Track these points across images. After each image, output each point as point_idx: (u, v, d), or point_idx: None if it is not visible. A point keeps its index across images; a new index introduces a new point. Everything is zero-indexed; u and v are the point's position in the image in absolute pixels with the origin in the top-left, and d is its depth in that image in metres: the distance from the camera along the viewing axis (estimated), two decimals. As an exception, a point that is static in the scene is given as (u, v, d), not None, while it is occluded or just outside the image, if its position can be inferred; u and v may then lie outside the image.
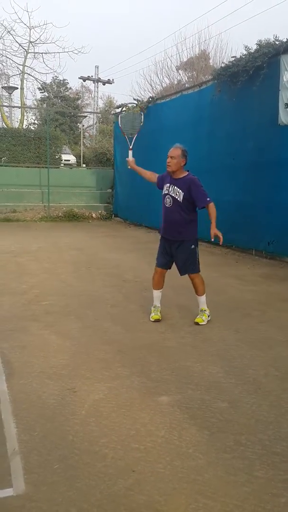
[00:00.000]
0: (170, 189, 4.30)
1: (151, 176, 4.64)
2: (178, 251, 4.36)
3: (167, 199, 4.33)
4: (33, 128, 22.60)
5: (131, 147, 4.77)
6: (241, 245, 8.38)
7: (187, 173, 4.31)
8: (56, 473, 2.14)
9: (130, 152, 4.74)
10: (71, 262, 7.33)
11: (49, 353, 3.58)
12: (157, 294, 4.54)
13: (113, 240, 10.14)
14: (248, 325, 4.38)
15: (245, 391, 3.00)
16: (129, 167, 4.71)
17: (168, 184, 4.33)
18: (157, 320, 4.42)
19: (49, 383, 3.05)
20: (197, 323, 4.35)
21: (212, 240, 4.18)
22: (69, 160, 23.48)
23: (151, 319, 4.44)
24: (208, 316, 4.44)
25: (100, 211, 14.91)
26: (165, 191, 4.36)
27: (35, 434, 2.46)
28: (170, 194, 4.29)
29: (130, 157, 4.75)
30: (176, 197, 4.25)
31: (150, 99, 12.08)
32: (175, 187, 4.26)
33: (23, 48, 20.01)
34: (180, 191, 4.23)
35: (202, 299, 4.45)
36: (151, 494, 2.01)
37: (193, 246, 4.35)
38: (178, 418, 2.64)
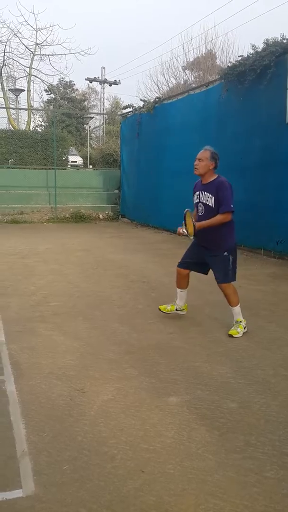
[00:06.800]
0: (201, 196, 4.05)
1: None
2: (210, 259, 4.11)
3: (200, 208, 4.08)
4: (40, 130, 22.74)
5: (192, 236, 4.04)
6: (250, 244, 8.34)
7: (217, 176, 4.04)
8: (66, 474, 2.14)
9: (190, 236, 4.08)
10: (78, 263, 7.35)
11: (58, 354, 3.59)
12: (178, 292, 4.44)
13: (120, 241, 10.15)
14: (256, 325, 4.35)
15: (254, 391, 2.98)
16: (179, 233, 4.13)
17: (198, 192, 4.09)
18: (161, 310, 4.49)
19: (57, 384, 3.05)
20: (230, 336, 3.98)
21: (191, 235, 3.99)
22: (75, 162, 23.58)
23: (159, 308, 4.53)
24: (244, 328, 4.07)
25: (107, 212, 14.94)
26: (196, 200, 4.13)
27: (44, 435, 2.46)
28: (201, 201, 4.04)
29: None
30: (208, 203, 3.98)
31: (157, 99, 12.09)
32: (205, 193, 4.00)
33: (30, 50, 20.17)
34: (210, 195, 3.95)
35: (236, 309, 4.10)
36: (161, 494, 2.00)
37: (226, 254, 3.99)
38: (187, 419, 2.63)
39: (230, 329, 4.07)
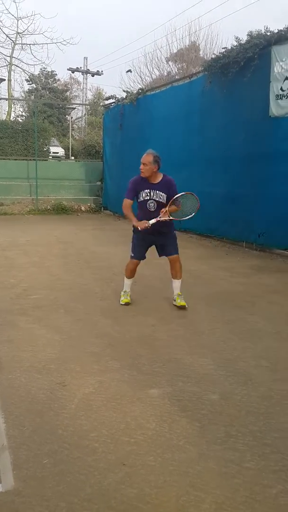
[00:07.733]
0: (152, 194, 4.43)
1: (129, 207, 4.61)
2: (162, 239, 4.60)
3: (151, 204, 4.45)
4: (20, 120, 22.35)
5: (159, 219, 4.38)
6: (232, 237, 8.38)
7: (163, 175, 4.46)
8: (46, 468, 2.11)
9: (154, 221, 4.37)
10: (60, 255, 7.27)
11: (38, 347, 3.54)
12: (129, 282, 4.79)
13: (103, 233, 10.08)
14: (238, 317, 4.38)
15: (235, 382, 3.00)
16: (143, 227, 4.40)
17: (147, 190, 4.44)
18: (127, 304, 4.65)
19: (38, 378, 3.01)
20: (183, 307, 4.53)
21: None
22: (57, 153, 23.27)
23: (122, 303, 4.67)
24: None
25: (89, 204, 14.81)
26: (145, 197, 4.46)
27: (24, 429, 2.42)
28: (154, 198, 4.44)
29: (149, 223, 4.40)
30: (161, 200, 4.42)
31: (140, 90, 11.99)
32: (157, 191, 4.42)
33: (11, 39, 19.77)
34: (163, 193, 4.41)
35: (180, 282, 4.64)
36: (142, 487, 1.99)
37: (174, 232, 4.67)
38: (168, 411, 2.63)
39: (179, 302, 4.55)
